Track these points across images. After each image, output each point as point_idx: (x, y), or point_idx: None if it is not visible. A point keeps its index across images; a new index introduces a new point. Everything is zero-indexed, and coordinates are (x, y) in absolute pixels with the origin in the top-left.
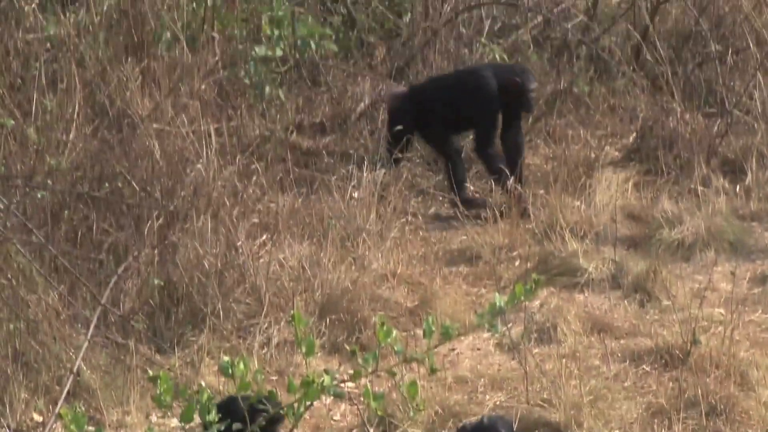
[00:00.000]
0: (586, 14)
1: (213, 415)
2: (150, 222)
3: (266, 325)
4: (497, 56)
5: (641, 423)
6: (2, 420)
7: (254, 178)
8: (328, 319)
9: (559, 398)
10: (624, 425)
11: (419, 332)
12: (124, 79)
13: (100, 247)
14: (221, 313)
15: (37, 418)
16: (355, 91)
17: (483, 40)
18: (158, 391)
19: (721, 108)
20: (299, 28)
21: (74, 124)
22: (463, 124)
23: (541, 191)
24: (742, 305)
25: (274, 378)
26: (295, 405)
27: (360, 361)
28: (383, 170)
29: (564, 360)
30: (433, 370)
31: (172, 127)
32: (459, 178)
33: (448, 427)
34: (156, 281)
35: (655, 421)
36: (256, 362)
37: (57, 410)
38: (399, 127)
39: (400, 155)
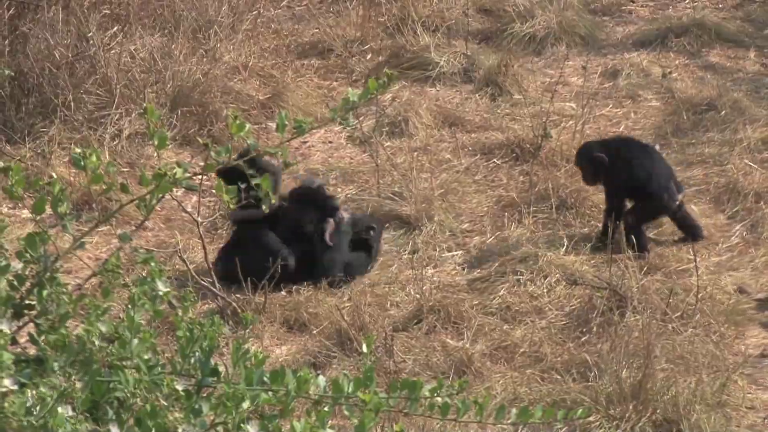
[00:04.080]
0: None
1: (65, 207)
2: (0, 12)
3: (117, 116)
4: None
5: (492, 216)
6: None
7: None
8: (179, 111)
9: (410, 191)
10: (474, 218)
11: (272, 125)
12: None
13: None
14: (72, 104)
15: None
16: None
17: None
18: (9, 183)
19: None
20: None
21: None
22: None
23: None
24: (593, 99)
25: (126, 170)
26: (147, 197)
27: (212, 153)
28: None
29: (415, 153)
30: (286, 164)
31: None
32: None
33: None
34: (6, 72)
35: (506, 214)
36: (107, 154)
37: None
38: None
39: None
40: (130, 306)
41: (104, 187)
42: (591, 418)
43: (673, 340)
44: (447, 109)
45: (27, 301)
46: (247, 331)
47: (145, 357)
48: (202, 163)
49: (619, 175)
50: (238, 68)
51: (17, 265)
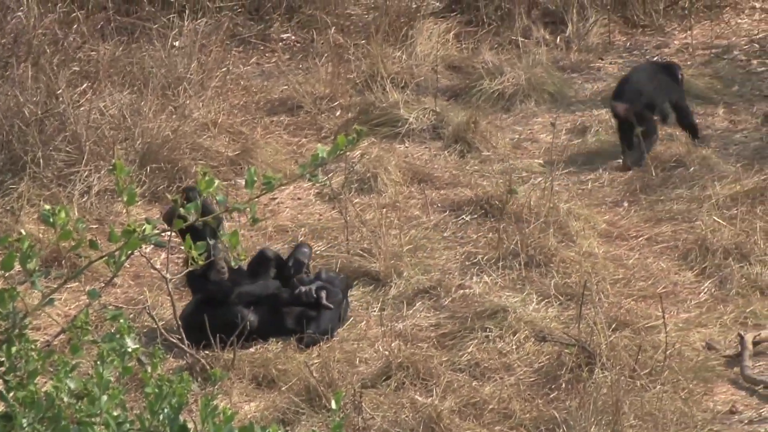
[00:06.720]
0: None
1: (34, 263)
2: None
3: (86, 173)
4: None
5: (461, 272)
6: None
7: (75, 25)
8: (148, 168)
9: (379, 248)
10: (443, 274)
11: (240, 182)
12: None
13: None
14: (41, 161)
15: None
16: None
17: None
18: None
19: None
20: None
21: None
22: None
23: (363, 41)
24: (561, 155)
25: (95, 226)
26: (116, 254)
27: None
28: (204, 19)
29: (384, 210)
30: (254, 220)
31: None
32: None
33: None
34: None
35: (474, 270)
36: (76, 211)
37: None
38: None
39: None
40: (99, 363)
41: (73, 243)
42: None
43: (642, 396)
44: (416, 166)
45: None
46: (216, 387)
47: (114, 413)
48: None
49: None
50: (207, 125)
51: None
